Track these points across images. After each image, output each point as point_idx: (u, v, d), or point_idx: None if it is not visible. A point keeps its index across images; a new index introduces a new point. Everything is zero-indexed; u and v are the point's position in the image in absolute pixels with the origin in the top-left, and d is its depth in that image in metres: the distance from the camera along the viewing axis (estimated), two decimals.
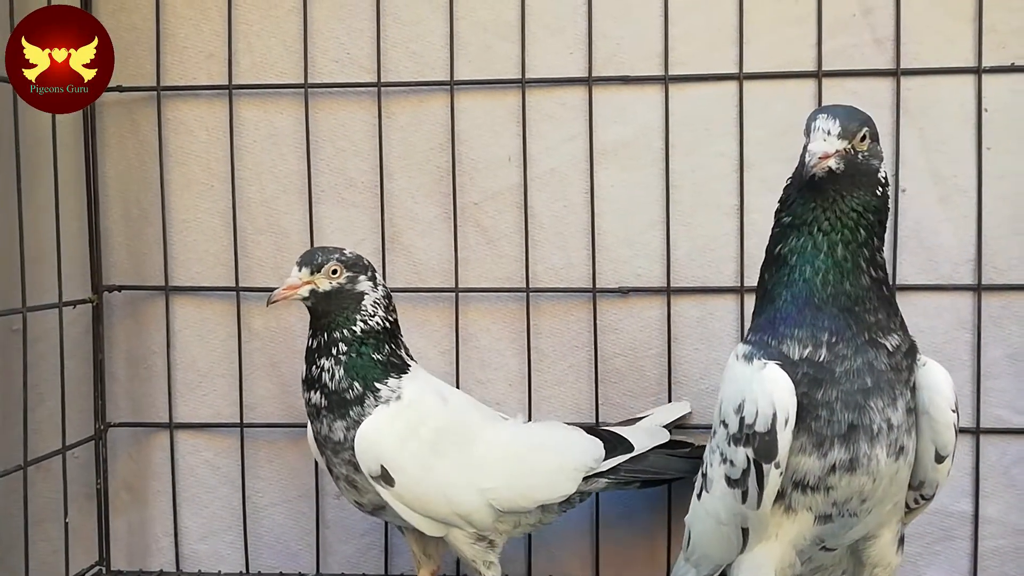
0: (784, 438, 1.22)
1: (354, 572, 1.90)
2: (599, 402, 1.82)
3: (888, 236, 1.70)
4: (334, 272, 1.50)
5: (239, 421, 1.91)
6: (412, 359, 1.58)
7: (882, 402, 1.24)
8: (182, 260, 1.91)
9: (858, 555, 1.37)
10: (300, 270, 1.50)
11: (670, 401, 1.80)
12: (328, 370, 1.50)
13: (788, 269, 1.28)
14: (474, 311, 1.86)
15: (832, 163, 1.23)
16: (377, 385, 1.50)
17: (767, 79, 1.76)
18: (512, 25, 1.81)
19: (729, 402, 1.29)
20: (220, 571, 1.93)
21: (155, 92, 1.88)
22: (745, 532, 1.31)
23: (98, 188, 1.91)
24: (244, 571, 1.93)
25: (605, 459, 1.63)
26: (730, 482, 1.29)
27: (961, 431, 1.72)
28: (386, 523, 1.87)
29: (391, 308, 1.56)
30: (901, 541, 1.38)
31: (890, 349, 1.26)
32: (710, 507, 1.35)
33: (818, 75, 1.74)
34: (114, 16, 1.89)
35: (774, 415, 1.22)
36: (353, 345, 1.51)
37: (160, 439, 1.95)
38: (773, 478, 1.24)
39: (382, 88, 1.83)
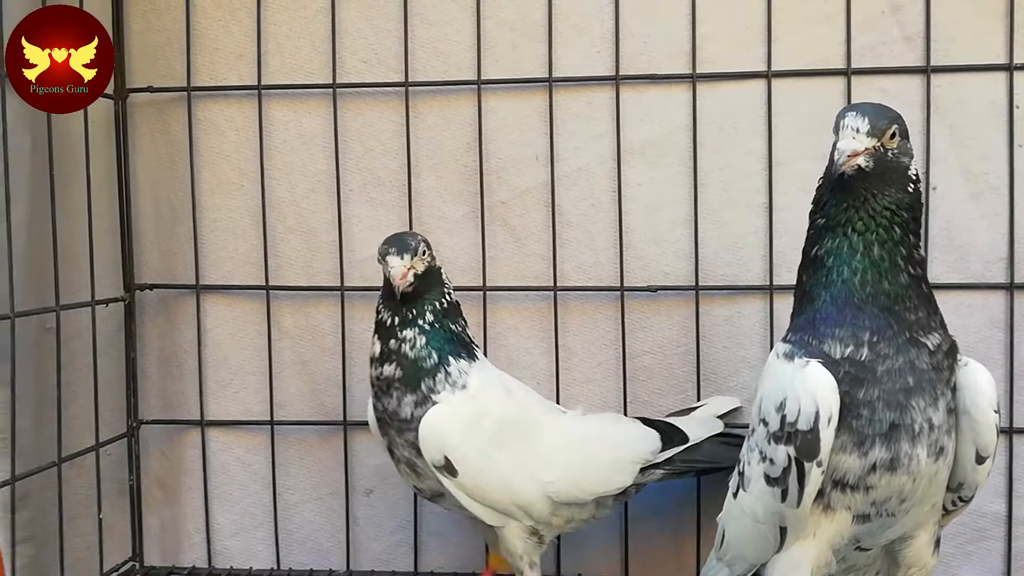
0: (827, 436, 1.22)
1: (384, 569, 1.91)
2: (627, 400, 1.82)
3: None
4: (423, 252, 1.54)
5: (270, 419, 1.92)
6: (475, 344, 1.61)
7: (923, 401, 1.24)
8: (213, 259, 1.93)
9: (894, 555, 1.37)
10: (402, 257, 1.51)
11: (699, 399, 1.80)
12: (410, 340, 1.53)
13: (825, 271, 1.27)
14: (502, 310, 1.86)
15: (861, 161, 1.22)
16: (450, 360, 1.54)
17: (796, 77, 1.75)
18: (539, 24, 1.81)
19: (770, 400, 1.29)
20: (251, 568, 1.94)
21: (185, 92, 1.89)
22: (783, 531, 1.31)
23: (130, 188, 1.93)
24: (275, 568, 1.94)
25: (662, 450, 1.64)
26: (769, 480, 1.29)
27: None
28: (415, 521, 1.89)
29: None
30: (937, 543, 1.37)
31: (931, 348, 1.25)
32: (747, 506, 1.35)
33: (847, 73, 1.73)
34: (145, 17, 1.91)
35: (817, 413, 1.22)
36: (438, 315, 1.55)
37: (192, 436, 1.97)
38: (815, 477, 1.24)
39: (410, 88, 1.84)
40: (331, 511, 1.94)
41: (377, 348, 1.55)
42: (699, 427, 1.69)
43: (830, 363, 1.24)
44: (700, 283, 1.79)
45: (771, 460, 1.28)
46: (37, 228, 1.69)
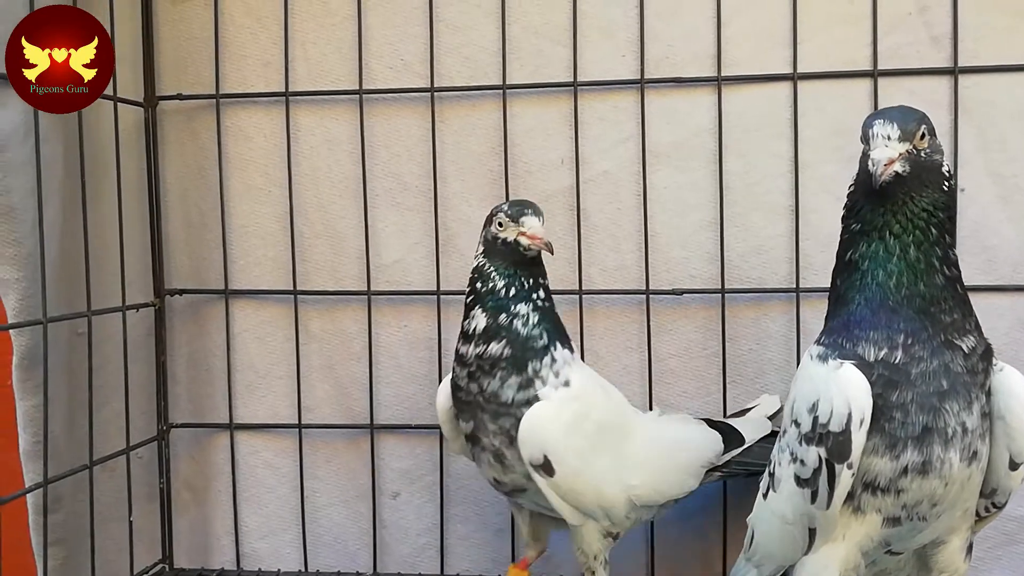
0: (858, 438, 1.21)
1: (410, 572, 1.91)
2: (653, 403, 1.82)
3: None
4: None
5: (297, 422, 1.94)
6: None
7: (957, 405, 1.22)
8: (241, 264, 1.95)
9: (924, 560, 1.36)
10: (540, 220, 1.50)
11: (724, 402, 1.80)
12: (523, 315, 1.50)
13: (860, 274, 1.27)
14: None
15: (898, 167, 1.22)
16: (557, 344, 1.52)
17: (822, 79, 1.75)
18: (564, 29, 1.81)
19: (803, 401, 1.28)
20: (279, 570, 1.95)
21: (214, 100, 1.91)
22: (812, 532, 1.30)
23: (160, 195, 1.95)
24: (303, 570, 1.95)
25: (723, 452, 1.65)
26: (800, 482, 1.29)
27: None
28: (442, 524, 1.89)
29: None
30: (969, 548, 1.36)
31: (966, 351, 1.24)
32: (776, 507, 1.35)
33: (874, 74, 1.72)
34: (174, 26, 1.93)
35: (849, 415, 1.21)
36: (548, 292, 1.54)
37: (221, 439, 1.98)
38: (845, 479, 1.23)
39: (435, 93, 1.85)
40: (358, 514, 1.95)
41: (481, 322, 1.51)
42: (752, 428, 1.69)
43: (864, 365, 1.23)
44: (726, 286, 1.79)
45: (802, 461, 1.28)
46: (69, 234, 1.71)
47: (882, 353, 1.23)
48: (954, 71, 1.71)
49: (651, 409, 1.80)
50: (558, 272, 1.83)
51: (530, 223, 1.50)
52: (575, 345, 1.79)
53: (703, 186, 1.79)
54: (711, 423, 1.69)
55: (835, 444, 1.23)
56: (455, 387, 1.56)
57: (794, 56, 1.75)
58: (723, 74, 1.77)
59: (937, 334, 1.23)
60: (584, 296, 1.83)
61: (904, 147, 1.23)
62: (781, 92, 1.76)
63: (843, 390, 1.22)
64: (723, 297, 1.79)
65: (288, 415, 1.95)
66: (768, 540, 1.39)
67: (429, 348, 1.88)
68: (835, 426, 1.22)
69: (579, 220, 1.82)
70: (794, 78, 1.75)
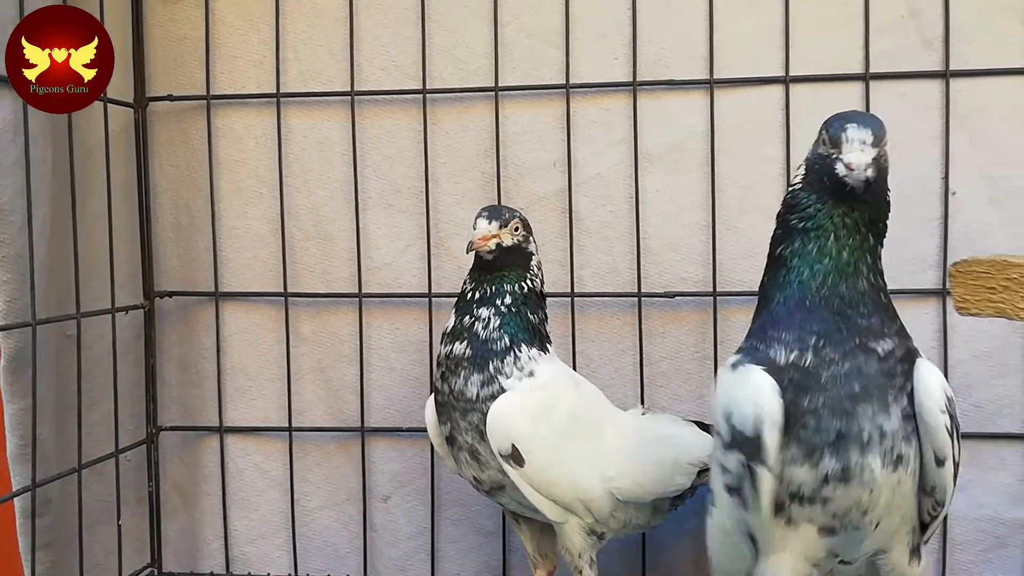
0: (771, 438, 1.21)
1: None
2: (644, 406, 1.82)
3: (938, 239, 1.70)
4: (516, 229, 1.54)
5: (288, 425, 1.93)
6: (550, 340, 1.60)
7: (871, 409, 1.21)
8: (232, 266, 1.94)
9: (876, 568, 1.34)
10: (490, 223, 1.51)
11: None
12: (484, 319, 1.52)
13: (786, 271, 1.26)
14: None
15: (870, 173, 1.22)
16: (522, 346, 1.52)
17: (814, 82, 1.75)
18: (557, 31, 1.81)
19: (719, 411, 1.28)
20: (269, 573, 1.95)
21: (205, 101, 1.90)
22: (754, 541, 1.30)
23: (149, 196, 1.94)
24: (292, 573, 1.95)
25: None
26: (730, 490, 1.28)
27: (1013, 437, 1.70)
28: (432, 528, 1.89)
29: (543, 275, 1.60)
30: (915, 552, 1.33)
31: (881, 354, 1.23)
32: (718, 520, 1.34)
33: (866, 78, 1.72)
34: (164, 27, 1.92)
35: (758, 416, 1.21)
36: (517, 299, 1.54)
37: (210, 443, 1.98)
38: (767, 481, 1.22)
39: (428, 95, 1.85)
40: (348, 517, 1.94)
41: (451, 323, 1.55)
42: None
43: (775, 370, 1.23)
44: (718, 289, 1.79)
45: (728, 470, 1.27)
46: (58, 236, 1.70)
47: (792, 356, 1.23)
48: (946, 74, 1.71)
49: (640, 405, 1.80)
50: (550, 275, 1.82)
51: (479, 225, 1.51)
52: (568, 349, 1.81)
53: (695, 189, 1.79)
54: (703, 426, 1.68)
55: (751, 448, 1.22)
56: (435, 391, 1.58)
57: (786, 59, 1.75)
58: (715, 77, 1.77)
59: (852, 337, 1.22)
60: (576, 299, 1.83)
61: (875, 152, 1.22)
62: (773, 95, 1.76)
63: (750, 394, 1.22)
64: (715, 300, 1.79)
65: (278, 418, 1.94)
66: (719, 554, 1.38)
67: (420, 351, 1.88)
68: (748, 430, 1.22)
69: (571, 223, 1.82)
70: (786, 81, 1.75)
